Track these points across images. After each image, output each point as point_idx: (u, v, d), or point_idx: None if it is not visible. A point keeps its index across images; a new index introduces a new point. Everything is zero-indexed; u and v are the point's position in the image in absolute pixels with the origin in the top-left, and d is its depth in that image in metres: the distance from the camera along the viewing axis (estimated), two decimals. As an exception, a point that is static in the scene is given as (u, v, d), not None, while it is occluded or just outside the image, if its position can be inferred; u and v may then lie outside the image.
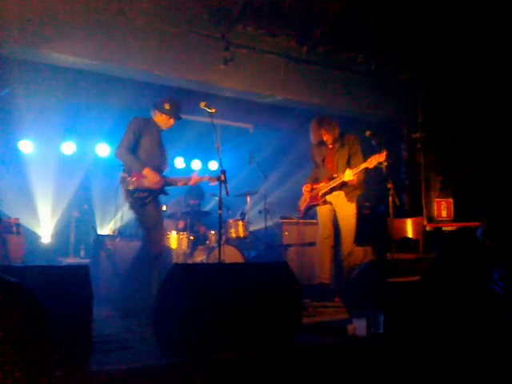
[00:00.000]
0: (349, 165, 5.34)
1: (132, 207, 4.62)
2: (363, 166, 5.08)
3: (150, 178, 4.52)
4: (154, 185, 4.55)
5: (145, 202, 4.53)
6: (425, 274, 4.01)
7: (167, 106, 4.75)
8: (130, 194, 4.49)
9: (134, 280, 4.52)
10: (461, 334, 3.54)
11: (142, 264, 4.57)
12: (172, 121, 4.85)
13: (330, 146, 5.53)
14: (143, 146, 4.66)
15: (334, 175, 5.36)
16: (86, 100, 6.88)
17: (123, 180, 4.52)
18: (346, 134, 5.52)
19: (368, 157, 5.10)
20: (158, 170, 4.70)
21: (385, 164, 4.94)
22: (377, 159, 4.96)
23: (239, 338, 2.99)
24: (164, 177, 4.73)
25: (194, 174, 4.97)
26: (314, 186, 5.57)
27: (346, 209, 5.41)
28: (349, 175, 5.14)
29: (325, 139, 5.48)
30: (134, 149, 4.62)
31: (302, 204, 5.75)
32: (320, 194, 5.47)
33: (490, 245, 5.24)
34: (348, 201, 5.40)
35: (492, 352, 3.38)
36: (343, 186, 5.33)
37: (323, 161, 5.59)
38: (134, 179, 4.48)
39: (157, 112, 4.79)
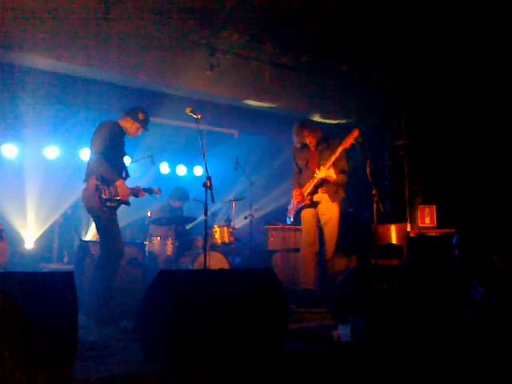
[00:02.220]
0: (334, 165, 5.36)
1: (100, 215, 4.51)
2: (338, 151, 5.19)
3: (121, 189, 4.53)
4: (123, 197, 4.57)
5: (115, 211, 4.56)
6: (395, 279, 4.07)
7: (141, 116, 4.82)
8: (103, 202, 4.45)
9: (106, 286, 4.52)
10: (438, 337, 3.59)
11: (110, 271, 4.56)
12: (141, 131, 4.92)
13: (313, 149, 5.57)
14: (114, 152, 4.64)
15: (315, 174, 5.40)
16: (70, 104, 6.83)
17: (97, 187, 4.45)
18: (331, 138, 5.56)
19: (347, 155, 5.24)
20: (124, 179, 4.73)
21: (360, 140, 5.03)
22: (352, 137, 5.07)
23: (225, 345, 2.99)
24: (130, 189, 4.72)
25: (139, 187, 4.91)
26: (302, 190, 5.59)
27: (329, 210, 5.46)
28: (322, 171, 5.28)
29: (307, 141, 5.53)
30: (107, 155, 4.55)
31: (292, 209, 5.76)
32: (306, 193, 5.50)
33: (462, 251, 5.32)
34: (331, 201, 5.45)
35: (473, 356, 3.43)
36: (324, 182, 5.39)
37: (306, 163, 5.62)
38: (105, 187, 4.48)
39: (129, 119, 4.81)
